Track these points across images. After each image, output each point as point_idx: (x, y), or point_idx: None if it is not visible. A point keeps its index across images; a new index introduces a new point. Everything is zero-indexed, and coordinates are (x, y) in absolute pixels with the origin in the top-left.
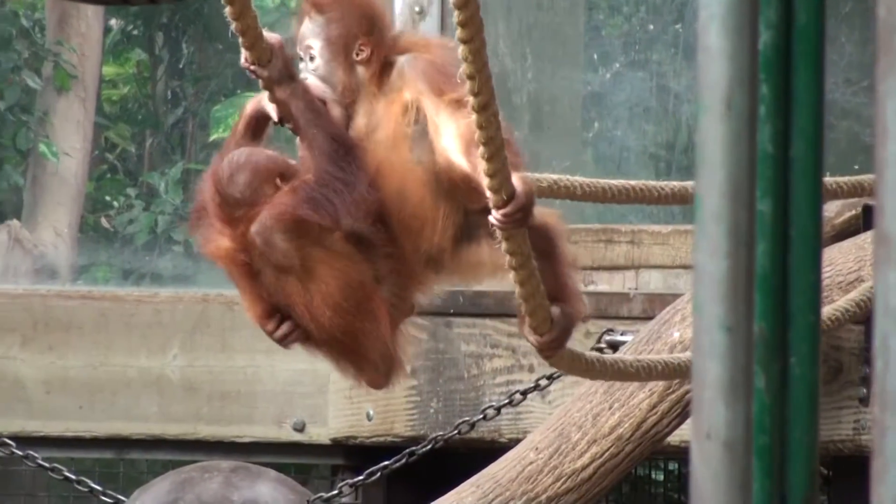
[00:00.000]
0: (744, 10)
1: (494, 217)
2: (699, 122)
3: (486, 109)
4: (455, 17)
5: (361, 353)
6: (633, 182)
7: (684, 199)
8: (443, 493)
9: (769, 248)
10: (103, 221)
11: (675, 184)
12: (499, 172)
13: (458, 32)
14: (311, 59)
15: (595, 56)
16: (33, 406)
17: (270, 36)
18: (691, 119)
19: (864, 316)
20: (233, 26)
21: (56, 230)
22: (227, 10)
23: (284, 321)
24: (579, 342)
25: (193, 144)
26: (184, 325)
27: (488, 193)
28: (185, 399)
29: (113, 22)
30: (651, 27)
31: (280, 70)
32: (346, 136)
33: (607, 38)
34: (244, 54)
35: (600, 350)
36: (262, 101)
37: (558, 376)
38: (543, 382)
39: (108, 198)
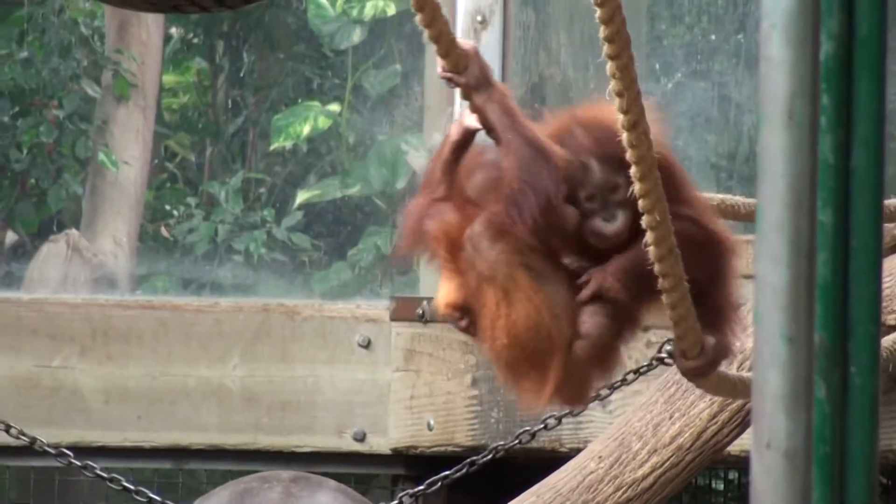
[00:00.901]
0: (805, 21)
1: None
2: (760, 133)
3: (637, 127)
4: (601, 32)
5: (525, 379)
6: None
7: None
8: (503, 502)
9: (830, 259)
10: (163, 231)
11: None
12: (650, 193)
13: (605, 48)
14: None
15: (657, 66)
16: (92, 416)
17: (464, 42)
18: (753, 129)
19: None
20: (425, 34)
21: (115, 239)
22: (418, 17)
23: (470, 316)
24: (640, 351)
25: (254, 154)
26: (244, 335)
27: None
28: (245, 409)
29: (173, 30)
30: (713, 37)
31: (477, 76)
32: (541, 142)
33: (669, 47)
34: (440, 63)
35: (661, 360)
36: (464, 121)
37: (619, 386)
38: (604, 392)
39: (167, 207)
